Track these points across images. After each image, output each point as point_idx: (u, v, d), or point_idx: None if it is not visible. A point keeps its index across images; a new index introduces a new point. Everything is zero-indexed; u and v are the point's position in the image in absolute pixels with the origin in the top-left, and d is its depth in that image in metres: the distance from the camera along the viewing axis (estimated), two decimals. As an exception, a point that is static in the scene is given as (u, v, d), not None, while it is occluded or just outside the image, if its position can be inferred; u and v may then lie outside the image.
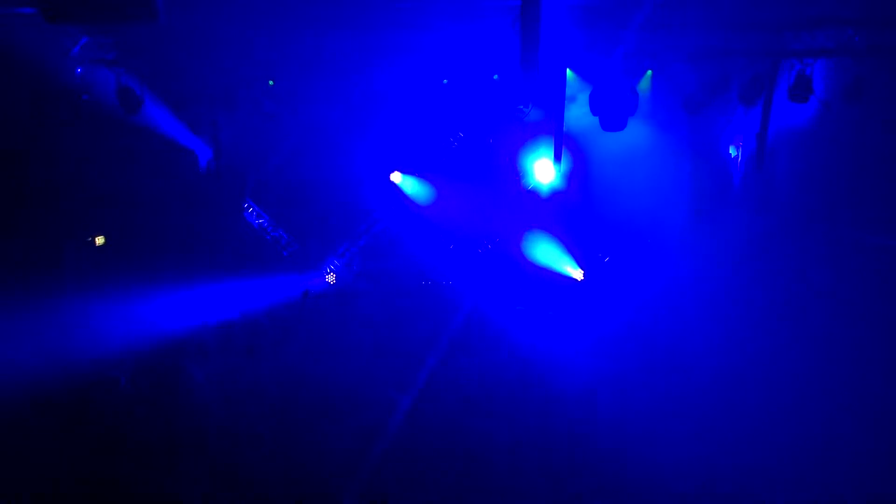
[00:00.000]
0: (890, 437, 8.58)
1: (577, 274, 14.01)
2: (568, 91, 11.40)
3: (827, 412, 9.25)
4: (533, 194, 14.40)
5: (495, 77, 12.35)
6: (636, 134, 12.26)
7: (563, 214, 14.47)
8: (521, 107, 11.81)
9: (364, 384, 10.59)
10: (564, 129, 11.51)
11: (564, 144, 11.72)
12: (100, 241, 13.20)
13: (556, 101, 11.07)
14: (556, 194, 14.17)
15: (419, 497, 7.94)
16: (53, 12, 5.46)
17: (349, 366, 11.49)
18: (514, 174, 14.49)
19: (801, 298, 11.44)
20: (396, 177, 14.67)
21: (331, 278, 14.73)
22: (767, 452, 8.57)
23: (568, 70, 11.29)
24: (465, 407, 9.77)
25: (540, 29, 6.70)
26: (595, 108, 10.84)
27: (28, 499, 7.37)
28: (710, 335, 11.28)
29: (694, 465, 8.25)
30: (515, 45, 7.26)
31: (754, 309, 11.67)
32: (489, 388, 10.44)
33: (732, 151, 13.59)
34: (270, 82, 12.04)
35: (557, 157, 11.62)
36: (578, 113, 11.62)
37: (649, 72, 11.82)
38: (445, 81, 13.15)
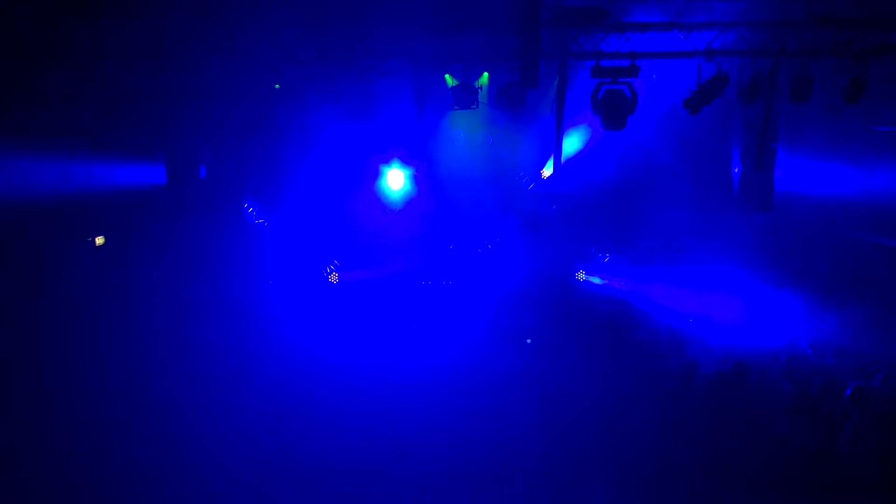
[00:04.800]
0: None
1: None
2: None
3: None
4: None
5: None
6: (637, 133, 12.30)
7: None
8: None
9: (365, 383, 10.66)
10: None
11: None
12: (100, 241, 13.18)
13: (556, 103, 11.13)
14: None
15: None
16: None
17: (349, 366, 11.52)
18: None
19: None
20: (395, 177, 14.66)
21: (333, 278, 14.73)
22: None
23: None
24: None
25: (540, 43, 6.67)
26: (595, 107, 10.86)
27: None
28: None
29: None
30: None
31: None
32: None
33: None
34: (276, 86, 11.97)
35: (557, 157, 11.68)
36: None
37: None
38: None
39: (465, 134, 14.41)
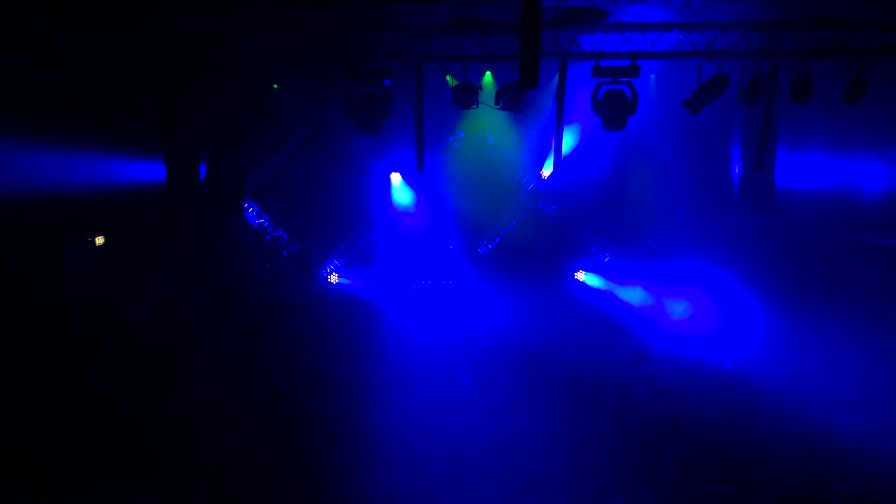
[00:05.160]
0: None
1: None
2: None
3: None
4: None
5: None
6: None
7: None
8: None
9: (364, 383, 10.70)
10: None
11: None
12: (100, 241, 13.19)
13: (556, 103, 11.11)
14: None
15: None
16: None
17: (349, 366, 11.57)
18: None
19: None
20: (395, 178, 14.67)
21: (333, 278, 14.75)
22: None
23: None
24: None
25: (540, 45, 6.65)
26: (595, 107, 10.83)
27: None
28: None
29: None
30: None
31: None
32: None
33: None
34: (275, 86, 11.88)
35: (557, 158, 11.68)
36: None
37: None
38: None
39: (466, 134, 14.44)
